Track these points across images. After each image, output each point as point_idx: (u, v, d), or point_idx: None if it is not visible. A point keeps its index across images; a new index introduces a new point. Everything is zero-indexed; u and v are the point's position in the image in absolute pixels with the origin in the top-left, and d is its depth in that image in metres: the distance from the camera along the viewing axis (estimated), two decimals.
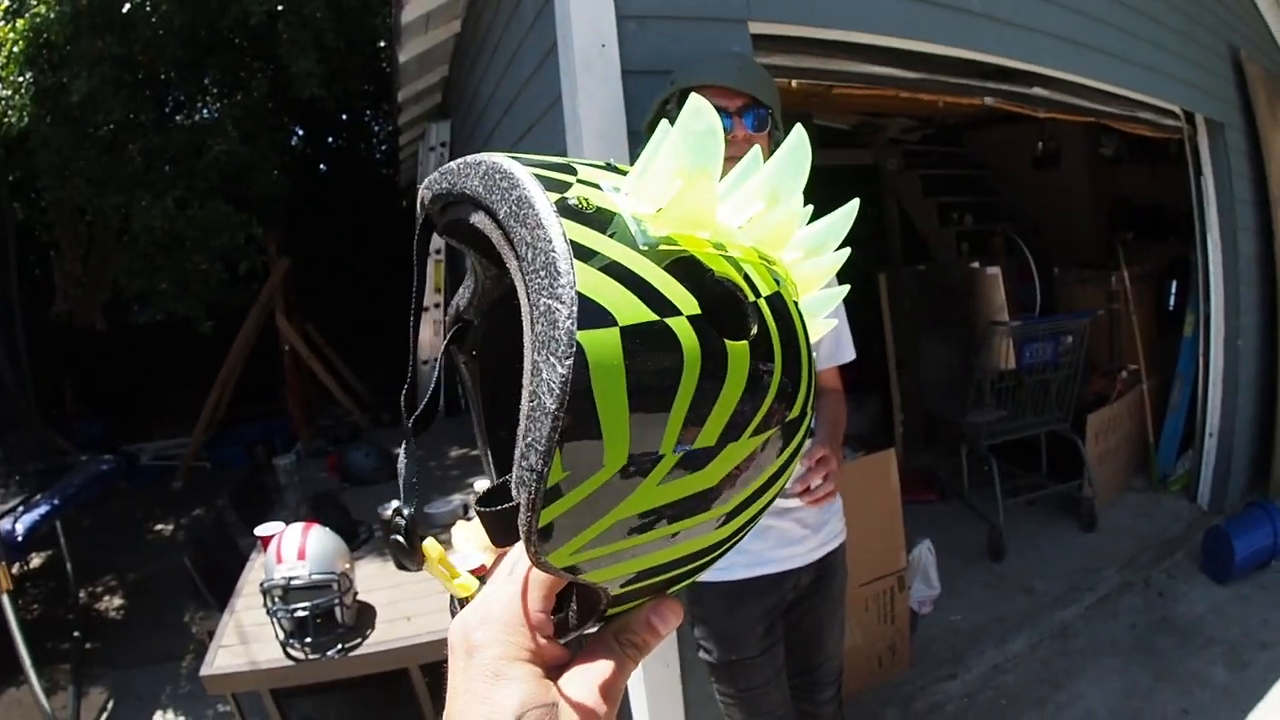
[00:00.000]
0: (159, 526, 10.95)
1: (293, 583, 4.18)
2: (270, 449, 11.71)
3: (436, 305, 10.35)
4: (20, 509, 7.43)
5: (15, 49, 9.53)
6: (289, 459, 7.80)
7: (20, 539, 7.03)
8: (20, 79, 9.64)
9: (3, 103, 9.74)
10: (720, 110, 2.91)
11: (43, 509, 7.57)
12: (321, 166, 16.37)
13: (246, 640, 4.43)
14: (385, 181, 15.74)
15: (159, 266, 10.16)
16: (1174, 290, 9.02)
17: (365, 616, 4.53)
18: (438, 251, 10.21)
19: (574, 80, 3.61)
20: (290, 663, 4.19)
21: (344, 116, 15.78)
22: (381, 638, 4.35)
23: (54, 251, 12.85)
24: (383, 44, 12.04)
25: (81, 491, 8.52)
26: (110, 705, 6.74)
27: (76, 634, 7.71)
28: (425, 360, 10.40)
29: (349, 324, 14.46)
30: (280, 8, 9.86)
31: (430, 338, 10.40)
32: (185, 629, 7.66)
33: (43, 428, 11.14)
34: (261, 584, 4.27)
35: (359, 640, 4.30)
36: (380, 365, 13.73)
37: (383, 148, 16.34)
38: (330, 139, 16.51)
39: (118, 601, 8.83)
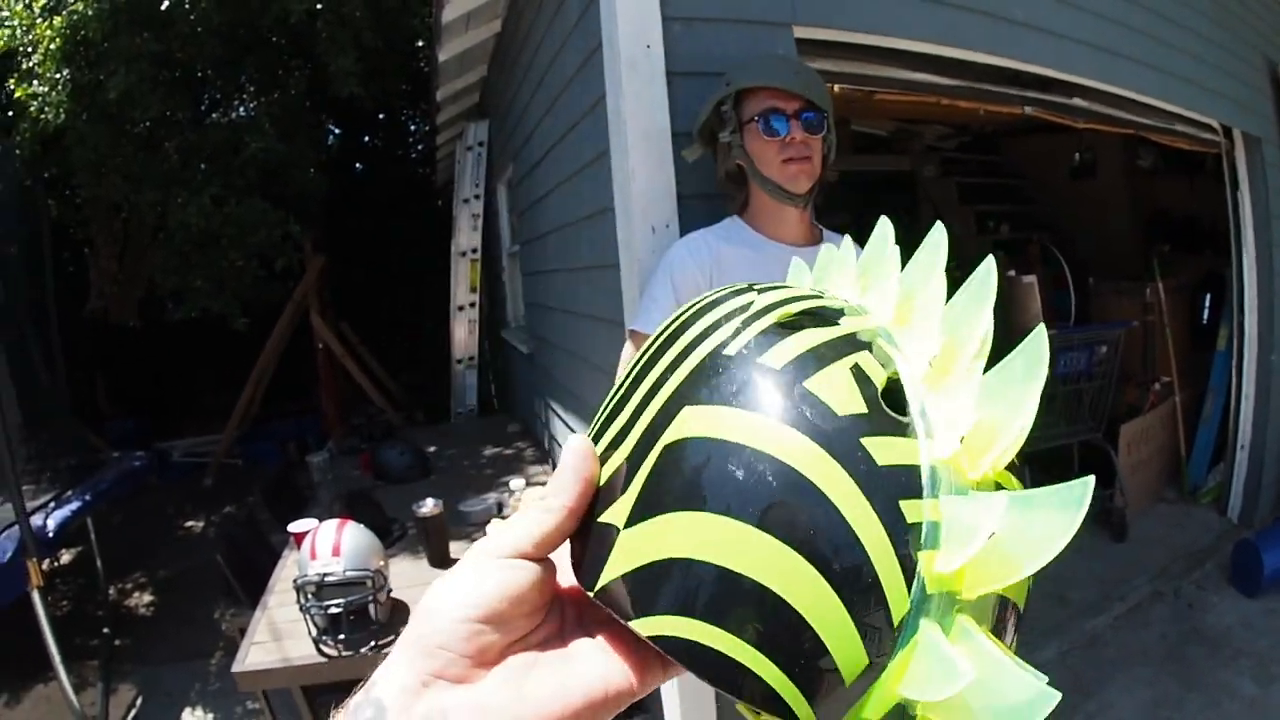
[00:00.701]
0: (190, 523, 11.01)
1: (327, 579, 4.18)
2: (303, 446, 11.75)
3: (471, 304, 10.39)
4: (52, 505, 7.49)
5: (53, 46, 9.59)
6: (322, 456, 7.81)
7: (52, 535, 7.08)
8: (58, 76, 9.70)
9: (40, 99, 9.80)
10: (777, 112, 3.00)
11: (74, 505, 7.62)
12: (358, 165, 16.38)
13: (279, 637, 4.44)
14: (421, 181, 15.80)
15: (194, 264, 10.23)
16: (1208, 304, 8.98)
17: (398, 614, 4.53)
18: (474, 250, 10.24)
19: (619, 80, 3.63)
20: (323, 660, 4.20)
21: (381, 116, 15.78)
22: None
23: (88, 249, 12.90)
24: (421, 43, 12.14)
25: (113, 488, 8.59)
26: (139, 702, 6.78)
27: (106, 630, 7.77)
28: (459, 359, 10.43)
29: (383, 323, 14.59)
30: (319, 6, 9.93)
31: (464, 337, 10.43)
32: (215, 626, 7.70)
33: (76, 424, 11.19)
34: (295, 580, 4.27)
35: (392, 637, 4.28)
36: (414, 364, 13.81)
37: (419, 147, 16.36)
38: (367, 138, 16.51)
39: (147, 598, 8.88)
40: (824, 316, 0.75)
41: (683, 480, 0.67)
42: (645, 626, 0.65)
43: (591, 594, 0.70)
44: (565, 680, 0.69)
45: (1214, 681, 5.52)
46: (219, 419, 12.65)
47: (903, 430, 0.66)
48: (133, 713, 6.64)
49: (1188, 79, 6.48)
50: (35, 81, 9.86)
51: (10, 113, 10.23)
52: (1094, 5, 5.42)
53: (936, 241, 0.77)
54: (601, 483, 0.73)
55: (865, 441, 0.65)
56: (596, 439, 0.77)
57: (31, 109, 9.85)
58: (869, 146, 10.53)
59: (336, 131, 15.63)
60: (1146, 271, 8.72)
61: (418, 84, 13.24)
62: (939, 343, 0.70)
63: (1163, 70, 6.16)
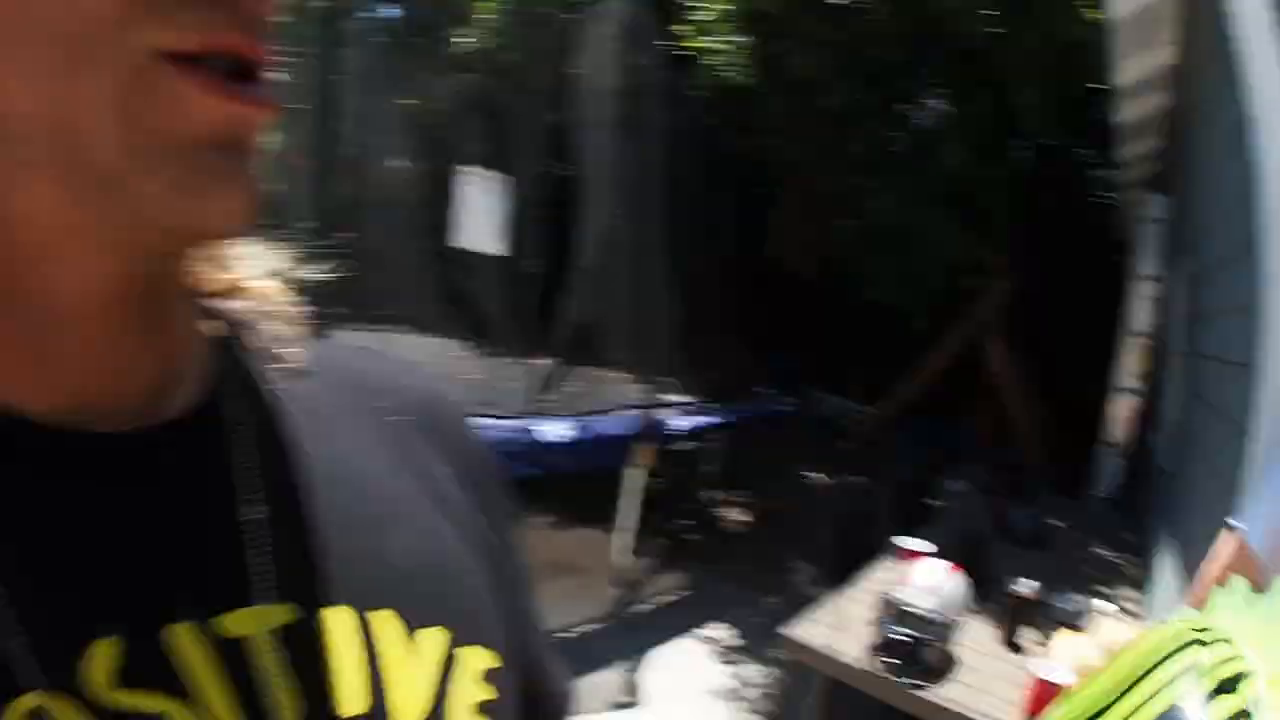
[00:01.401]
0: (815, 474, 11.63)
1: (913, 609, 4.30)
2: (952, 454, 10.99)
3: (1134, 390, 9.69)
4: None
5: None
6: (960, 484, 7.90)
7: None
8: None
9: None
10: None
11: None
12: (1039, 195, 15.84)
13: (842, 625, 4.68)
14: (1099, 230, 15.08)
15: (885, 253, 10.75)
16: None
17: (944, 665, 4.48)
18: (1147, 334, 9.49)
19: None
20: (868, 670, 4.40)
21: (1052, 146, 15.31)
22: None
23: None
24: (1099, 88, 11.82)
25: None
26: None
27: None
28: (1110, 443, 9.62)
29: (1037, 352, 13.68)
30: (1002, 30, 9.89)
31: (1120, 420, 9.75)
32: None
33: None
34: (884, 593, 4.45)
35: (925, 684, 4.33)
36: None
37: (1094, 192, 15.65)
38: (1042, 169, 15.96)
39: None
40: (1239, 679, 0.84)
41: None
42: None
43: None
44: None
45: None
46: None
47: None
48: None
49: None
50: None
51: None
52: None
53: None
54: None
55: None
56: None
57: None
58: None
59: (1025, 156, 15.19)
60: None
61: (1094, 127, 12.69)
62: None
63: None
